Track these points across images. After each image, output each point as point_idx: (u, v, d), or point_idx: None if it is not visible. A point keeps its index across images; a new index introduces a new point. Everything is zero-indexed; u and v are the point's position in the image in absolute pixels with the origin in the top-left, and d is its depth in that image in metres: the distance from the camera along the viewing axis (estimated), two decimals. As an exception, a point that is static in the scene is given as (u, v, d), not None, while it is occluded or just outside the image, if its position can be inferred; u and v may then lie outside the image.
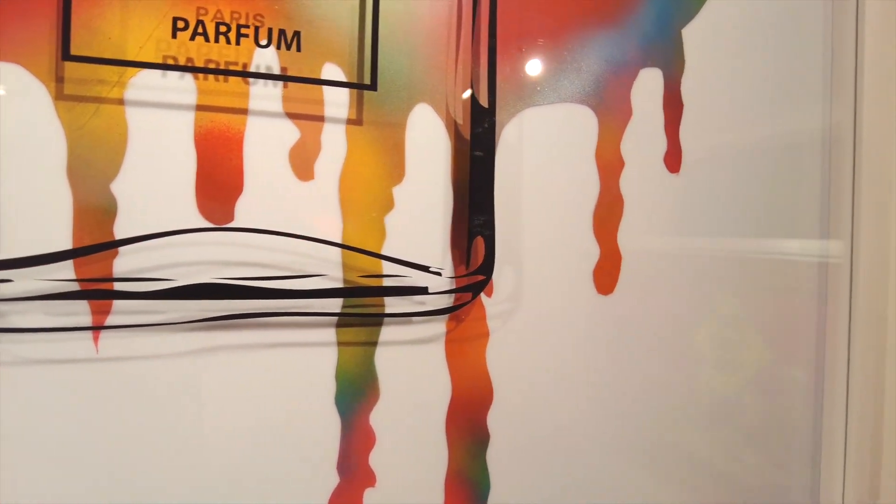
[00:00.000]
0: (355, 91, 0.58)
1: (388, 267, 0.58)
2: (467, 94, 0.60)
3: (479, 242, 0.59)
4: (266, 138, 0.56)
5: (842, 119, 0.75)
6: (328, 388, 0.57)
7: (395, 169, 0.59)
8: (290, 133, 0.56)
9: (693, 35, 0.70)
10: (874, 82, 0.74)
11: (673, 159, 0.69)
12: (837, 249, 0.75)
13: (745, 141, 0.73)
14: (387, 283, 0.58)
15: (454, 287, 0.60)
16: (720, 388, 0.72)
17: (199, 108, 0.54)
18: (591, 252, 0.66)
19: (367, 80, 0.56)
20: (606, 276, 0.67)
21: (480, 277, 0.59)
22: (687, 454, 0.71)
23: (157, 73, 0.53)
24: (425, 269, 0.57)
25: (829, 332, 0.77)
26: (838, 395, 0.76)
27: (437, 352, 0.61)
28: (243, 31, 0.54)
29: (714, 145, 0.72)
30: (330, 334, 0.57)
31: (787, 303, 0.75)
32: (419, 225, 0.60)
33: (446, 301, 0.60)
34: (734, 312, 0.72)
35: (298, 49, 0.55)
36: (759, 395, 0.75)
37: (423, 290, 0.57)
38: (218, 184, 0.55)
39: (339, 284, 0.57)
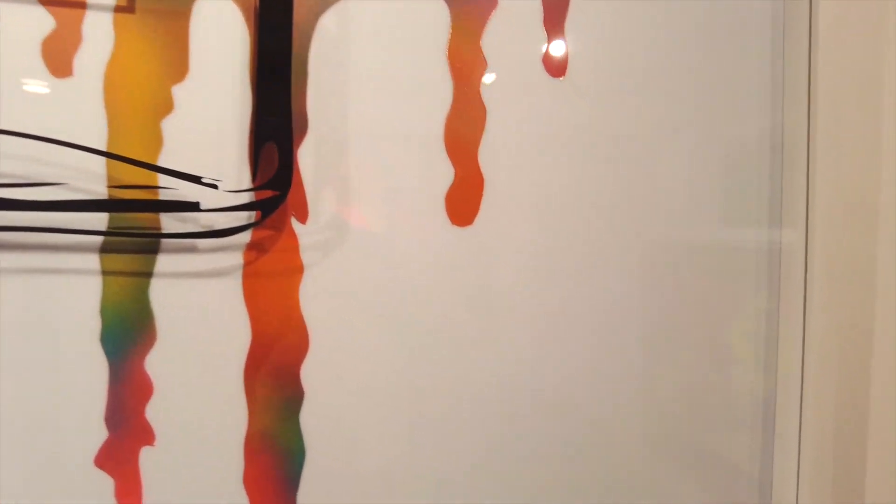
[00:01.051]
0: (126, -28, 0.49)
1: (166, 181, 0.49)
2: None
3: (273, 151, 0.49)
4: (14, 28, 0.48)
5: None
6: (92, 324, 0.49)
7: (176, 64, 0.49)
8: (43, 22, 0.48)
9: None
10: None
11: (556, 60, 0.56)
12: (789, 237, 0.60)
13: (657, 41, 0.58)
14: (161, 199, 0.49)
15: (249, 201, 0.49)
16: (612, 366, 0.58)
17: (-65, -7, 0.47)
18: (443, 173, 0.54)
19: (123, -47, 0.47)
20: (463, 203, 0.54)
21: (273, 193, 0.48)
22: (539, 430, 0.57)
23: None
24: (197, 180, 0.47)
25: (781, 321, 0.60)
26: (792, 389, 0.59)
27: (232, 288, 0.50)
28: None
29: (615, 44, 0.57)
30: (92, 260, 0.48)
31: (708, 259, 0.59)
32: (205, 130, 0.50)
33: (241, 223, 0.50)
34: (630, 257, 0.57)
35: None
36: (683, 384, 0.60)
37: (193, 207, 0.47)
38: (-42, 81, 0.47)
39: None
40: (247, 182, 0.50)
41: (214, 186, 0.48)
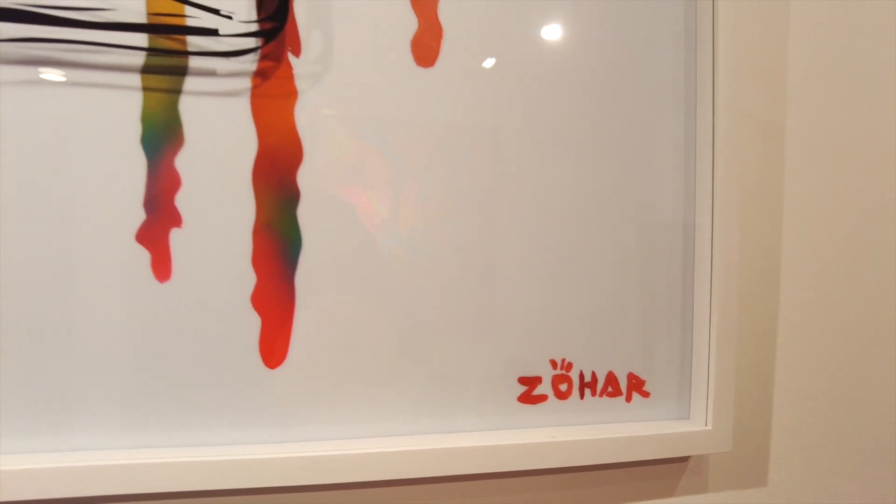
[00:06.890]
0: None
1: (192, 12, 0.62)
2: None
3: (275, -6, 0.62)
4: None
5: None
6: (133, 130, 0.62)
7: (198, -73, 0.63)
8: None
9: None
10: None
11: (502, -64, 0.69)
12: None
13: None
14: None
15: (256, 30, 0.63)
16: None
17: None
18: (409, 22, 0.67)
19: None
20: (426, 48, 0.68)
21: (273, 24, 0.62)
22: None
23: None
24: (216, 11, 0.61)
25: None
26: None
27: (242, 106, 0.64)
28: None
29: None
30: (134, 79, 0.62)
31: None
32: (221, -20, 0.63)
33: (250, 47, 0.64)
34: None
35: None
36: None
37: (213, 32, 0.61)
38: (31, -63, 0.61)
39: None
40: (254, 16, 0.63)
41: (229, 17, 0.61)
